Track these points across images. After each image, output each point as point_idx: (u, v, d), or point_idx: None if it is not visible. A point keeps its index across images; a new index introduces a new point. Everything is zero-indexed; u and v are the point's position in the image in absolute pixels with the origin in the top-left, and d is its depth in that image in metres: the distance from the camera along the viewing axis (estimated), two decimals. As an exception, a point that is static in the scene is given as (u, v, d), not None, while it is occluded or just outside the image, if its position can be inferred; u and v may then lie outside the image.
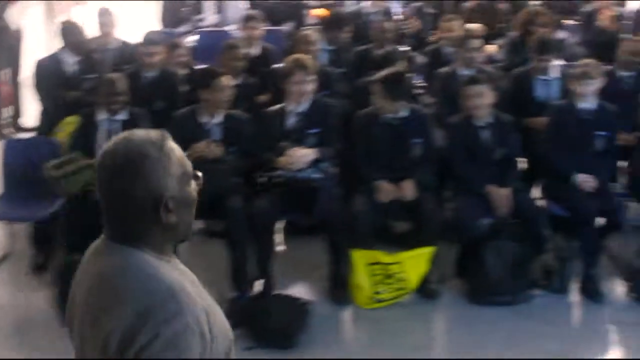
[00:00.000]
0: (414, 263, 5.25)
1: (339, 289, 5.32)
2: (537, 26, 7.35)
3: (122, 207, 1.96)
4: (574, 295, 5.49)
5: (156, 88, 6.45)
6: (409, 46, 7.76)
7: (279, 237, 5.76)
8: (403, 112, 5.53)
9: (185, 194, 1.98)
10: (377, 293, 5.22)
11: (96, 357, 1.93)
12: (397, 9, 9.63)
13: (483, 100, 5.52)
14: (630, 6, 10.82)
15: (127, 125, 5.35)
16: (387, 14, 9.05)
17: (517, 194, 5.52)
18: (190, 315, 1.86)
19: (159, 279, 1.92)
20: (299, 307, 4.96)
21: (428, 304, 5.35)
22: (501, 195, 5.39)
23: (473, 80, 5.65)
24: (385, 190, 5.35)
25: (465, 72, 6.49)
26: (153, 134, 1.99)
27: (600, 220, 5.58)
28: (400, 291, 5.25)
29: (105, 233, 2.04)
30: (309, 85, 5.52)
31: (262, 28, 7.63)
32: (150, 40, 6.74)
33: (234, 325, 5.12)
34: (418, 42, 8.33)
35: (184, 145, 5.24)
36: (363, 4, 9.51)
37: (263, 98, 6.63)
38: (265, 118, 5.71)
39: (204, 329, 1.87)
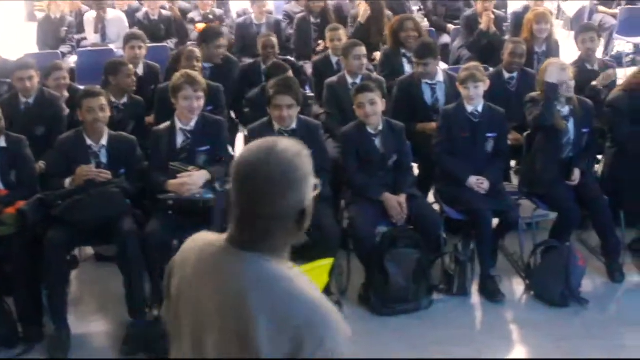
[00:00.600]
0: (315, 275, 5.12)
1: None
2: (408, 31, 7.42)
3: (267, 217, 2.00)
4: (475, 296, 5.55)
5: (36, 113, 6.16)
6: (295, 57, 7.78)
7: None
8: (294, 124, 5.48)
9: (311, 204, 2.05)
10: (279, 308, 5.12)
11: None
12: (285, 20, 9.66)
13: (374, 108, 5.51)
14: (511, 9, 11.19)
15: (6, 153, 5.15)
16: (275, 25, 9.03)
17: (413, 200, 5.54)
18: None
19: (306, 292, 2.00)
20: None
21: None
22: (397, 202, 5.40)
23: (363, 88, 5.63)
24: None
25: (352, 80, 6.51)
26: (294, 144, 2.05)
27: (495, 221, 5.69)
28: (303, 302, 5.16)
29: (232, 240, 2.06)
30: (199, 102, 5.39)
31: (146, 46, 7.43)
32: (25, 64, 6.42)
33: (133, 351, 4.91)
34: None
35: (70, 169, 5.11)
36: (250, 16, 9.43)
37: (150, 119, 6.47)
38: (153, 138, 5.53)
39: None
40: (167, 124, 5.43)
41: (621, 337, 5.12)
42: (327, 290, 5.15)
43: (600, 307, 5.45)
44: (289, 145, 2.03)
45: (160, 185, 5.16)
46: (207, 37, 7.20)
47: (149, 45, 7.75)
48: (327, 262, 5.18)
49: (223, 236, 2.12)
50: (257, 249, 2.03)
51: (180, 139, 5.36)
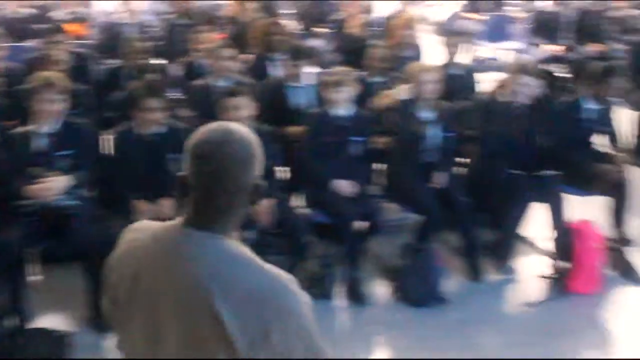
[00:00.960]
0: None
1: (100, 316, 5.08)
2: (275, 35, 7.48)
3: (230, 192, 2.10)
4: (340, 299, 5.60)
5: None
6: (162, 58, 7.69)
7: (35, 267, 5.42)
8: (158, 129, 5.40)
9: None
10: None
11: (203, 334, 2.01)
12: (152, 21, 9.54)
13: (242, 112, 5.45)
14: (378, 13, 11.39)
15: None
16: (144, 26, 8.92)
17: (279, 204, 5.54)
18: None
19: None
20: (56, 340, 4.67)
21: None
22: (263, 206, 5.39)
23: (231, 93, 5.58)
24: (143, 210, 5.19)
25: (220, 83, 6.47)
26: (241, 126, 2.19)
27: (360, 224, 5.72)
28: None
29: (191, 222, 2.12)
30: (59, 105, 5.23)
31: (5, 45, 7.19)
32: None
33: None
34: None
35: None
36: (117, 15, 9.27)
37: (10, 123, 6.22)
38: (9, 141, 5.31)
39: None
40: (25, 127, 5.26)
41: (480, 335, 5.25)
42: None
43: (461, 306, 5.57)
44: (241, 127, 2.18)
45: (17, 190, 4.99)
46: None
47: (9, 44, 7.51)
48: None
49: (175, 221, 2.17)
50: (216, 229, 2.13)
51: (38, 143, 5.18)
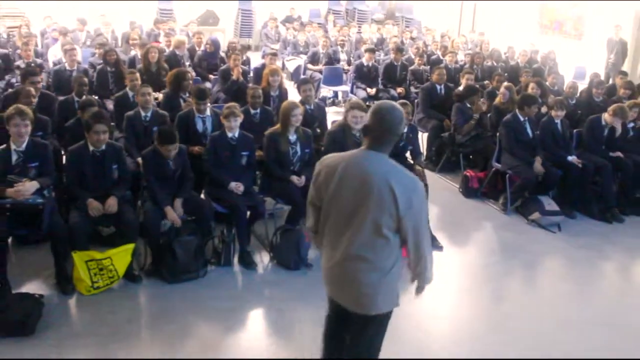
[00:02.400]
0: (120, 257, 5.15)
1: (65, 283, 5.06)
2: (187, 80, 7.53)
3: (390, 133, 3.07)
4: (236, 266, 5.69)
5: None
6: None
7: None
8: (103, 146, 5.36)
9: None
10: (94, 282, 5.04)
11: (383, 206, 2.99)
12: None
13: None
14: (254, 62, 11.57)
15: None
16: (83, 72, 8.70)
17: (192, 199, 5.65)
18: None
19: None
20: (34, 301, 4.64)
21: (134, 286, 5.27)
22: (173, 212, 5.43)
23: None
24: (94, 206, 5.17)
25: (144, 113, 6.48)
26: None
27: (248, 212, 5.83)
28: (112, 279, 5.12)
29: (370, 147, 3.08)
30: (26, 129, 5.12)
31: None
32: None
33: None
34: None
35: None
36: (64, 64, 8.97)
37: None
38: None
39: None
40: (4, 145, 5.14)
41: None
42: (130, 267, 5.23)
43: (320, 267, 5.63)
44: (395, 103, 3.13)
45: (2, 192, 4.88)
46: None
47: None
48: (129, 247, 5.27)
49: (361, 148, 3.12)
50: (382, 151, 3.07)
51: (14, 157, 5.09)
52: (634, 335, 4.97)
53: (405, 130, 6.65)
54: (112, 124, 6.41)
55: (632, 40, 14.92)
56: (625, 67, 14.44)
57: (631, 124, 8.01)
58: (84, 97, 6.76)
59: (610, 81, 12.68)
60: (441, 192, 7.95)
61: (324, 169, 3.18)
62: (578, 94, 9.69)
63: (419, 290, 3.29)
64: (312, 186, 3.23)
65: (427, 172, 6.87)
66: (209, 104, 6.68)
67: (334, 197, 3.10)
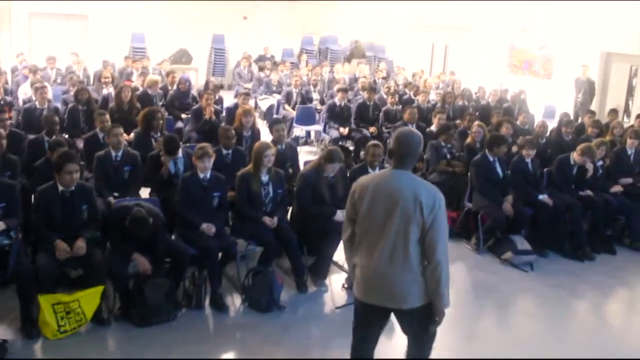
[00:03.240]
0: (89, 300, 5.09)
1: (30, 327, 4.96)
2: (158, 120, 7.56)
3: (412, 156, 3.73)
4: (207, 309, 5.63)
5: None
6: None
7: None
8: (73, 187, 5.32)
9: None
10: (61, 326, 4.95)
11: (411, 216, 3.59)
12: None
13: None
14: (227, 101, 11.62)
15: None
16: (54, 110, 8.67)
17: (165, 241, 5.58)
18: None
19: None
20: (-2, 345, 4.55)
21: (102, 330, 5.18)
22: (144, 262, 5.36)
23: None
24: (62, 248, 5.10)
25: (115, 153, 6.47)
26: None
27: (220, 254, 5.85)
28: (80, 322, 5.04)
29: (396, 167, 3.71)
30: None
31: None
32: None
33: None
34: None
35: None
36: (34, 103, 8.94)
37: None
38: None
39: None
40: None
41: (308, 330, 5.42)
42: (98, 310, 5.15)
43: (293, 310, 5.71)
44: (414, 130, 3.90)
45: None
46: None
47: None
48: (98, 289, 5.20)
49: (387, 169, 3.81)
50: (406, 168, 3.70)
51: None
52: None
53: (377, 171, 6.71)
54: (82, 163, 6.37)
55: (598, 80, 15.33)
56: (593, 106, 14.80)
57: (600, 162, 8.19)
58: (54, 136, 6.72)
59: (580, 120, 12.95)
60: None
61: (357, 188, 3.78)
62: (548, 133, 9.89)
63: (438, 315, 3.67)
64: (349, 202, 3.83)
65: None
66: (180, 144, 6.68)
67: (367, 212, 3.68)
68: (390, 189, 3.62)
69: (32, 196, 5.65)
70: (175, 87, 11.43)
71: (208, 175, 5.97)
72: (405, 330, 3.92)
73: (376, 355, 4.00)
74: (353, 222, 3.82)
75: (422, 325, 3.76)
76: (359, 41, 19.97)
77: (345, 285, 6.23)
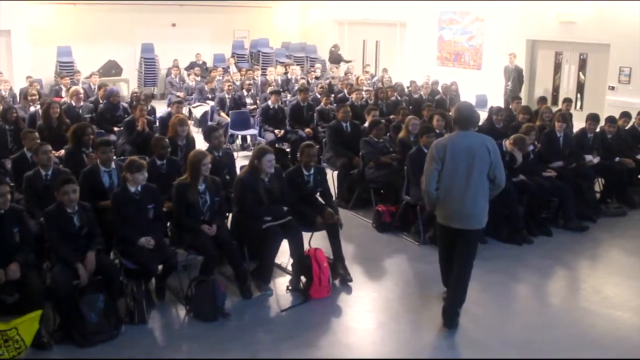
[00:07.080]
0: (27, 326, 4.95)
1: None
2: (88, 135, 7.39)
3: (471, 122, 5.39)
4: (151, 323, 5.58)
5: None
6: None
7: None
8: (3, 210, 5.19)
9: None
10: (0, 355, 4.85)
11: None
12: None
13: (74, 196, 5.40)
14: (160, 111, 11.48)
15: None
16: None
17: (100, 257, 5.49)
18: None
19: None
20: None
21: (43, 354, 5.06)
22: (88, 259, 5.36)
23: (65, 181, 5.44)
24: (-9, 273, 4.97)
25: (45, 172, 6.33)
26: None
27: (161, 266, 5.80)
28: (19, 350, 4.89)
29: (462, 129, 5.29)
30: None
31: None
32: None
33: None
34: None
35: None
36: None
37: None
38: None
39: None
40: None
41: (255, 335, 5.40)
42: (38, 335, 5.03)
43: (239, 317, 5.70)
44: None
45: None
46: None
47: None
48: (36, 314, 5.07)
49: (456, 131, 5.29)
50: (469, 129, 5.27)
51: None
52: (550, 356, 5.17)
53: (312, 172, 6.81)
54: (12, 184, 6.22)
55: (526, 67, 15.80)
56: (523, 93, 15.27)
57: (531, 147, 8.44)
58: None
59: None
60: (355, 228, 8.11)
61: (434, 147, 5.28)
62: (480, 122, 10.13)
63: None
64: (432, 158, 5.26)
65: (340, 210, 6.92)
66: (114, 157, 6.59)
67: (453, 166, 5.17)
68: (466, 146, 5.15)
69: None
70: (105, 100, 11.21)
71: (140, 188, 5.89)
72: (461, 249, 5.38)
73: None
74: (438, 172, 5.24)
75: (475, 245, 5.45)
76: (338, 46, 19.91)
77: (290, 287, 6.26)
